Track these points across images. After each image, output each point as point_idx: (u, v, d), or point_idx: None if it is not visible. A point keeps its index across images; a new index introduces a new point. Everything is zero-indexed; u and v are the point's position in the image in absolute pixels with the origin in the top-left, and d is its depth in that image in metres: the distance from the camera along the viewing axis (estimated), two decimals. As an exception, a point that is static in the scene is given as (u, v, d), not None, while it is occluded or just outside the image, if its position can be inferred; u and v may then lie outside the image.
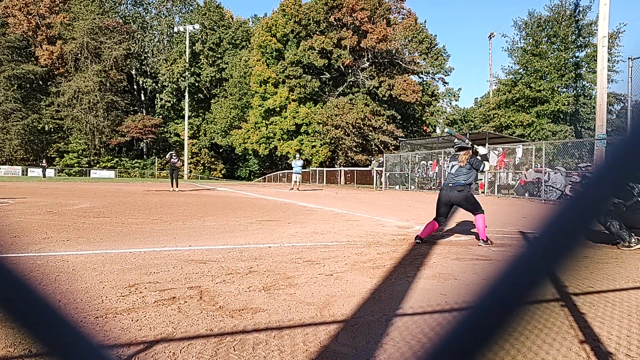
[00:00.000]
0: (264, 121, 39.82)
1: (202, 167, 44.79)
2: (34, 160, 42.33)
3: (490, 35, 41.07)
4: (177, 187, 14.83)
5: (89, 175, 40.92)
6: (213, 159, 45.67)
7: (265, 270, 3.16)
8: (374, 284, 2.83)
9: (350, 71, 38.94)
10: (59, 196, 11.56)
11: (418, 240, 4.50)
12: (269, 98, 39.07)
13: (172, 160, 14.59)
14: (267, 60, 39.09)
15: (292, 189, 18.41)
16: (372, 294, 2.60)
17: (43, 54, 44.34)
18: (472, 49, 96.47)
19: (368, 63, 38.32)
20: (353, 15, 36.84)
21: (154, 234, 4.88)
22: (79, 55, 43.46)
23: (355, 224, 6.30)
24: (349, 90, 39.17)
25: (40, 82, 44.57)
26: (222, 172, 46.06)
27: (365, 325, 2.03)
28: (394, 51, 36.73)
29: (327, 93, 39.90)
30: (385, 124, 36.12)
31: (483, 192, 16.03)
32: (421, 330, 1.97)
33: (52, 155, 42.95)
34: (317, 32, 37.49)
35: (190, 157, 43.81)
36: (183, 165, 43.64)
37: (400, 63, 37.53)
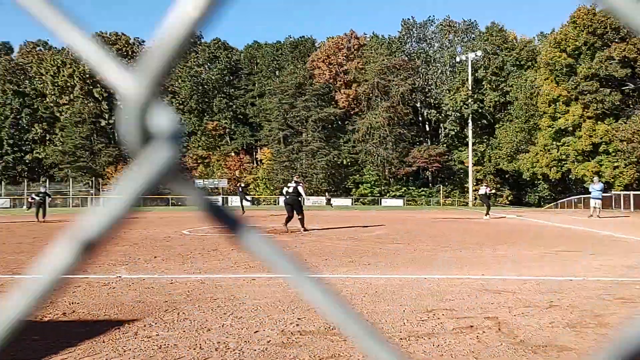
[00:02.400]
0: (554, 143, 54.15)
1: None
2: (334, 192, 71.32)
3: None
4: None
5: (380, 204, 65.47)
6: (498, 185, 63.08)
7: (568, 306, 4.07)
8: None
9: (661, 78, 49.37)
10: (357, 223, 18.32)
11: None
12: (559, 118, 53.40)
13: None
14: (557, 78, 53.92)
15: (592, 215, 22.24)
16: None
17: (341, 97, 73.98)
18: None
19: (686, 66, 47.87)
20: (663, 13, 47.82)
21: (445, 261, 7.09)
22: (371, 94, 70.60)
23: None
24: (660, 100, 49.44)
25: (339, 122, 74.32)
26: (509, 198, 62.32)
27: None
28: None
29: (631, 106, 51.18)
30: None
31: None
32: None
33: (349, 186, 70.88)
34: (616, 40, 49.98)
35: (474, 184, 62.78)
36: (473, 192, 63.36)
37: None
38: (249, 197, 24.92)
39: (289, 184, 14.39)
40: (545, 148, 53.85)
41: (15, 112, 73.82)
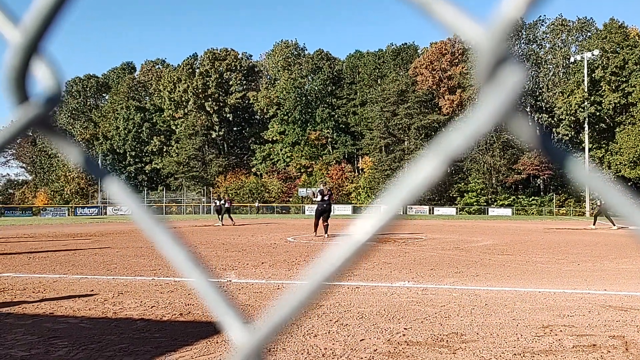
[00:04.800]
0: (686, 147, 49.46)
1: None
2: (438, 200, 69.69)
3: None
4: None
5: (487, 213, 62.91)
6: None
7: None
8: None
9: None
10: (462, 233, 17.53)
11: None
12: (692, 119, 48.70)
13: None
14: (688, 75, 49.28)
15: None
16: None
17: (445, 103, 72.37)
18: None
19: None
20: None
21: (562, 274, 6.80)
22: (475, 99, 68.62)
23: None
24: None
25: (442, 129, 73.00)
26: (632, 208, 57.56)
27: None
28: None
29: None
30: None
31: None
32: None
33: (454, 195, 68.96)
34: None
35: (592, 193, 58.46)
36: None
37: None
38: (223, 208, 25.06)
39: (319, 192, 14.81)
40: (675, 153, 49.00)
41: (137, 126, 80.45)
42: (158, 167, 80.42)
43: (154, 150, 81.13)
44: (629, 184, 58.25)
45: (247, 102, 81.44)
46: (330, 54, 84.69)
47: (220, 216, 25.51)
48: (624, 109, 57.24)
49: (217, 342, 3.59)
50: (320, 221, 14.87)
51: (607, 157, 58.92)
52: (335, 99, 79.85)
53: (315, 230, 15.23)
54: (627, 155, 54.24)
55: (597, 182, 0.39)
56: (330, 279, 0.38)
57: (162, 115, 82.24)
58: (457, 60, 71.45)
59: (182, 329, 4.03)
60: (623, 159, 55.21)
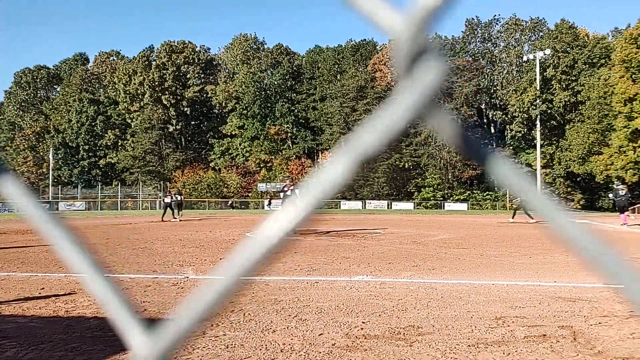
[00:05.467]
0: (630, 144, 51.08)
1: (558, 198, 60.65)
2: (397, 195, 70.51)
3: None
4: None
5: (444, 208, 64.11)
6: (569, 189, 60.29)
7: None
8: None
9: None
10: (420, 228, 17.90)
11: None
12: (636, 117, 50.50)
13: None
14: (633, 75, 50.98)
15: None
16: None
17: (403, 100, 73.47)
18: None
19: None
20: None
21: (514, 267, 7.07)
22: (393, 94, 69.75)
23: None
24: None
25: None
26: (580, 202, 59.46)
27: None
28: None
29: None
30: None
31: None
32: None
33: (411, 190, 69.92)
34: (701, 33, 46.97)
35: (543, 187, 60.41)
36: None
37: None
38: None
39: (287, 188, 14.85)
40: (621, 150, 51.10)
41: (90, 119, 78.06)
42: (113, 161, 78.28)
43: (109, 144, 78.89)
44: (578, 179, 60.56)
45: (205, 95, 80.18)
46: (289, 49, 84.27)
47: (179, 211, 25.61)
48: (574, 107, 59.33)
49: (173, 340, 3.52)
50: None
51: (558, 153, 61.02)
52: (295, 94, 79.61)
53: None
54: (576, 151, 56.32)
55: (518, 179, 0.39)
56: (243, 276, 0.38)
57: (117, 108, 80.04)
58: (415, 57, 72.60)
59: (137, 327, 3.94)
60: (572, 155, 57.30)
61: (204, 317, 0.37)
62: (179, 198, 26.39)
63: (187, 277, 6.39)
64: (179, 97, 78.59)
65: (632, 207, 50.87)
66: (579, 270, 6.89)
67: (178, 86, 78.80)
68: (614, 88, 51.50)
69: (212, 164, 78.74)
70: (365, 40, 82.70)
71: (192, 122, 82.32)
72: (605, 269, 0.37)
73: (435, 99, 0.35)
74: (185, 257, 8.72)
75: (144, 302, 4.85)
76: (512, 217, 23.43)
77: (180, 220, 24.40)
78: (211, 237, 13.40)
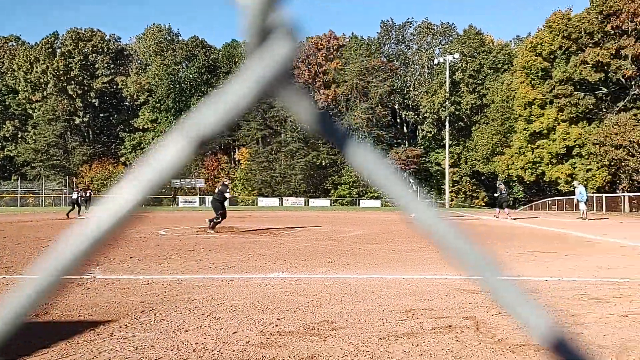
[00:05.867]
0: (529, 145, 54.92)
1: (464, 196, 63.82)
2: (314, 192, 71.20)
3: None
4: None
5: (359, 205, 65.69)
6: (475, 187, 63.87)
7: (545, 305, 4.19)
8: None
9: (633, 83, 50.36)
10: (335, 224, 18.34)
11: None
12: (534, 121, 54.18)
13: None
14: (532, 81, 54.77)
15: (584, 218, 22.90)
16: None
17: (320, 98, 74.09)
18: None
19: (657, 71, 49.12)
20: (635, 20, 48.81)
21: (423, 261, 7.40)
22: (350, 95, 70.86)
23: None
24: (632, 104, 50.13)
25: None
26: (485, 200, 63.43)
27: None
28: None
29: (603, 110, 52.02)
30: (683, 139, 45.84)
31: None
32: None
33: (328, 187, 70.90)
34: (590, 45, 50.80)
35: (451, 185, 63.41)
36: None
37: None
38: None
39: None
40: (520, 150, 54.76)
41: (-14, 108, 72.16)
42: (12, 154, 72.78)
43: (7, 135, 73.26)
44: (482, 178, 64.27)
45: (115, 87, 76.54)
46: (205, 42, 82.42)
47: (87, 208, 24.72)
48: (479, 110, 62.86)
49: (77, 343, 3.35)
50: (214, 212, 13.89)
51: (465, 153, 64.42)
52: (211, 88, 77.97)
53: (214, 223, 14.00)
54: (481, 152, 59.74)
55: (378, 167, 0.37)
56: (61, 273, 0.34)
57: (17, 98, 74.39)
58: (332, 56, 73.31)
59: (39, 330, 3.72)
60: (478, 155, 60.72)
61: (23, 314, 0.35)
62: (87, 194, 25.17)
63: (95, 277, 6.06)
64: (86, 88, 74.49)
65: (529, 204, 54.69)
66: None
67: (85, 76, 74.64)
68: (516, 92, 55.03)
69: (122, 159, 75.35)
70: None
71: (101, 115, 78.38)
72: (464, 260, 0.37)
73: (288, 76, 0.34)
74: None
75: (45, 304, 4.55)
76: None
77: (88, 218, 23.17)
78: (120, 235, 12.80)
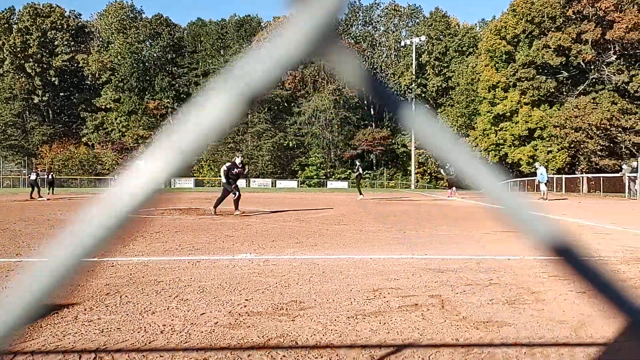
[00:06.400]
0: (492, 127, 56.07)
1: (429, 177, 64.94)
2: (281, 174, 71.07)
3: None
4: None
5: (326, 186, 65.97)
6: (439, 168, 65.38)
7: (507, 283, 4.36)
8: None
9: (592, 67, 51.65)
10: (304, 205, 18.29)
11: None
12: (498, 103, 55.26)
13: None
14: (496, 65, 55.70)
15: (545, 198, 23.82)
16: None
17: (287, 79, 73.52)
18: None
19: (615, 56, 50.36)
20: (596, 5, 49.95)
21: (390, 242, 7.48)
22: (317, 77, 70.63)
23: (608, 237, 7.89)
24: (591, 88, 51.62)
25: (285, 104, 73.91)
26: (447, 181, 65.24)
27: (630, 351, 2.64)
28: (647, 40, 48.01)
29: (564, 93, 53.38)
30: (639, 123, 47.46)
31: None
32: None
33: (295, 169, 70.91)
34: (552, 29, 51.79)
35: (417, 167, 64.28)
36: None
37: (655, 53, 48.20)
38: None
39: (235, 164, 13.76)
40: (484, 133, 55.77)
41: (-63, 86, 69.08)
42: (-34, 134, 70.12)
43: (-39, 115, 70.49)
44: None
45: (76, 65, 74.17)
46: (170, 20, 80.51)
47: (50, 190, 24.45)
48: (445, 92, 63.56)
49: (40, 327, 3.26)
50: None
51: (430, 135, 65.45)
52: (176, 68, 76.49)
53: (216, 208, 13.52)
54: (447, 133, 60.73)
55: (437, 133, 0.36)
56: (83, 256, 0.31)
57: (-29, 76, 71.49)
58: (299, 37, 72.97)
59: None
60: (443, 137, 61.74)
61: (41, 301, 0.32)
62: (48, 175, 24.61)
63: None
64: (45, 66, 71.97)
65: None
66: (447, 243, 7.41)
67: (44, 53, 72.07)
68: (480, 75, 55.82)
69: (84, 139, 73.50)
70: (249, 16, 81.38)
71: (61, 94, 76.01)
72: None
73: (335, 32, 0.31)
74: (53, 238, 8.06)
75: (5, 287, 4.43)
76: (360, 194, 23.48)
77: (48, 200, 22.60)
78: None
